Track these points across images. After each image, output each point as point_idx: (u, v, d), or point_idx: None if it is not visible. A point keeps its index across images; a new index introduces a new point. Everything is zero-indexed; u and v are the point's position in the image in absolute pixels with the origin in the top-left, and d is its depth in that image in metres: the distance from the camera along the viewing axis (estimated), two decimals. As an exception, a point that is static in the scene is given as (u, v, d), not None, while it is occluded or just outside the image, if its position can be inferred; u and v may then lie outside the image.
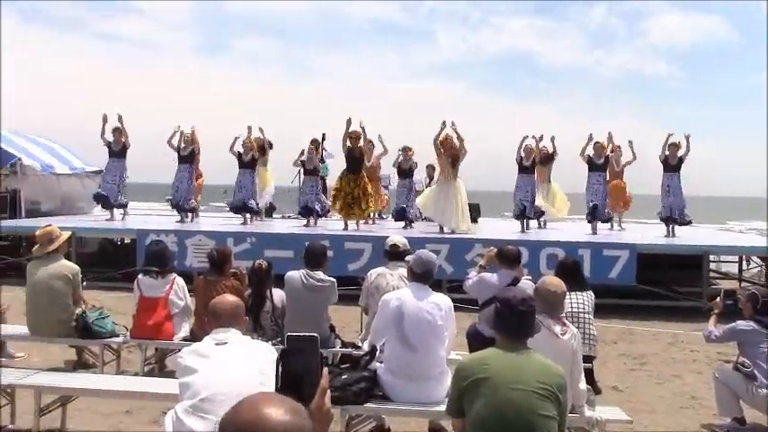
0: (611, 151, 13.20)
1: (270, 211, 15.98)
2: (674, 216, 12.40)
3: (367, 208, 12.30)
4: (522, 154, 12.84)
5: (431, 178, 15.61)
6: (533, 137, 13.05)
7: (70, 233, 6.87)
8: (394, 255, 6.09)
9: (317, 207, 13.03)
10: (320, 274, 5.86)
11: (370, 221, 13.62)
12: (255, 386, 2.94)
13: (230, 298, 3.44)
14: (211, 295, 5.23)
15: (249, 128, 13.12)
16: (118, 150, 13.25)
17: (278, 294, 6.06)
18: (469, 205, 12.54)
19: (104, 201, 13.32)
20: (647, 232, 13.48)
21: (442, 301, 4.58)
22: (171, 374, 5.92)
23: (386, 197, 14.92)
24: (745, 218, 42.11)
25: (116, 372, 6.29)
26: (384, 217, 15.12)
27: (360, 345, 5.74)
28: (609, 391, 6.35)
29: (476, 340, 5.75)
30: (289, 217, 16.11)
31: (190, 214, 13.64)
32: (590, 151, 12.85)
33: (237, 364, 3.08)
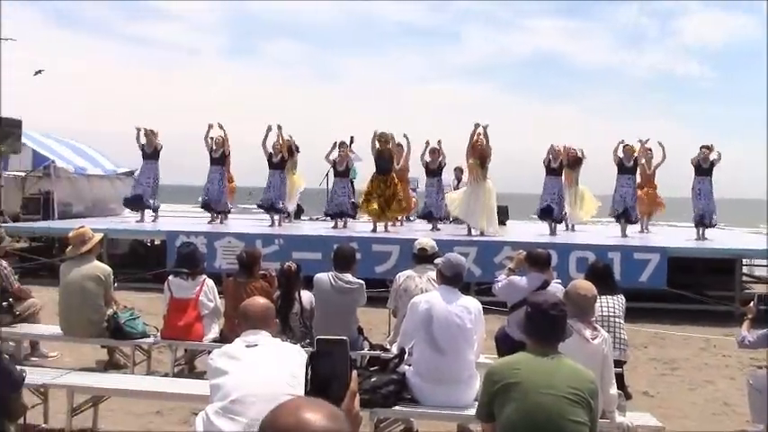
0: (642, 153, 13.06)
1: (298, 213, 16.04)
2: (705, 221, 12.25)
3: (400, 209, 12.35)
4: (550, 156, 12.79)
5: (458, 180, 15.60)
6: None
7: (102, 235, 6.96)
8: (422, 258, 6.08)
9: (349, 209, 13.04)
10: (349, 277, 5.87)
11: (398, 224, 13.61)
12: (285, 388, 2.95)
13: (261, 300, 3.46)
14: (241, 297, 5.27)
15: (279, 126, 13.16)
16: (150, 152, 13.42)
17: (306, 296, 6.08)
18: (498, 207, 12.48)
19: (139, 201, 13.49)
20: (677, 235, 13.32)
21: (472, 304, 4.57)
22: (200, 375, 5.97)
23: (414, 200, 14.91)
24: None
25: (146, 372, 6.35)
26: (411, 219, 15.11)
27: (388, 347, 5.74)
28: (639, 397, 6.28)
29: (504, 344, 5.72)
30: (317, 219, 16.15)
31: (219, 216, 13.74)
32: (620, 153, 12.74)
33: (268, 367, 3.09)
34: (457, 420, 4.73)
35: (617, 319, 5.87)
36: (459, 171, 15.43)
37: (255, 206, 14.24)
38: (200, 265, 6.55)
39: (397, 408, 4.43)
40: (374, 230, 12.17)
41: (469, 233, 11.99)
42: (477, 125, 12.00)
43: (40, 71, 15.35)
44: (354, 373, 1.85)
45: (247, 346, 3.21)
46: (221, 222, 13.62)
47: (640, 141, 13.10)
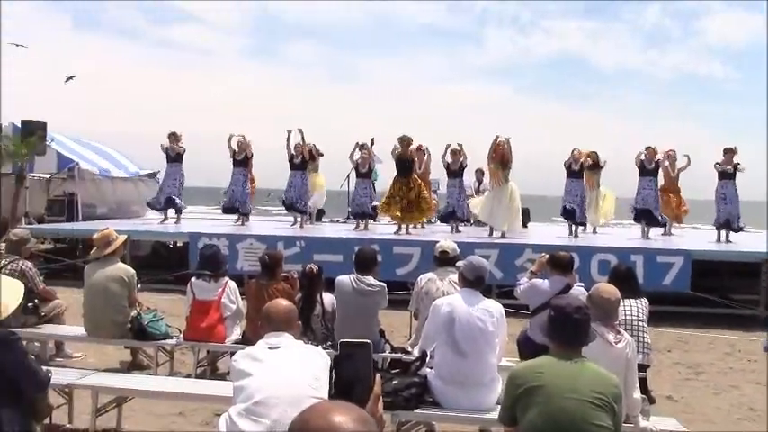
0: (667, 155, 12.96)
1: (319, 215, 16.08)
2: (732, 225, 12.14)
3: (428, 209, 12.42)
4: (571, 159, 12.74)
5: (479, 182, 15.58)
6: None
7: (126, 236, 7.02)
8: (444, 260, 6.07)
9: (369, 210, 13.08)
10: (370, 279, 5.87)
11: (419, 225, 13.62)
12: (308, 390, 2.96)
13: (284, 303, 3.46)
14: (263, 299, 5.30)
15: (300, 130, 13.24)
16: (174, 156, 13.56)
17: (328, 298, 6.09)
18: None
19: (171, 204, 13.63)
20: (700, 238, 13.19)
21: (494, 307, 4.55)
22: (222, 376, 6.01)
23: (435, 202, 14.91)
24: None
25: (169, 373, 6.39)
26: (432, 221, 15.10)
27: (409, 350, 5.73)
28: (663, 401, 6.22)
29: (526, 347, 5.68)
30: (338, 221, 16.18)
31: (241, 217, 13.82)
32: (642, 156, 12.67)
33: (291, 369, 3.10)
34: (479, 424, 4.71)
35: (640, 323, 5.81)
36: (480, 173, 15.40)
37: (275, 208, 14.32)
38: (223, 267, 6.57)
39: (418, 411, 4.43)
40: (398, 231, 12.21)
41: (491, 235, 11.97)
42: (498, 137, 11.96)
43: (71, 77, 15.42)
44: (378, 376, 1.85)
45: (270, 348, 3.21)
46: (242, 224, 13.70)
47: (670, 153, 13.01)
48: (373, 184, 13.47)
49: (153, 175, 17.14)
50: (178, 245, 13.36)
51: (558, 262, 6.00)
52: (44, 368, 3.32)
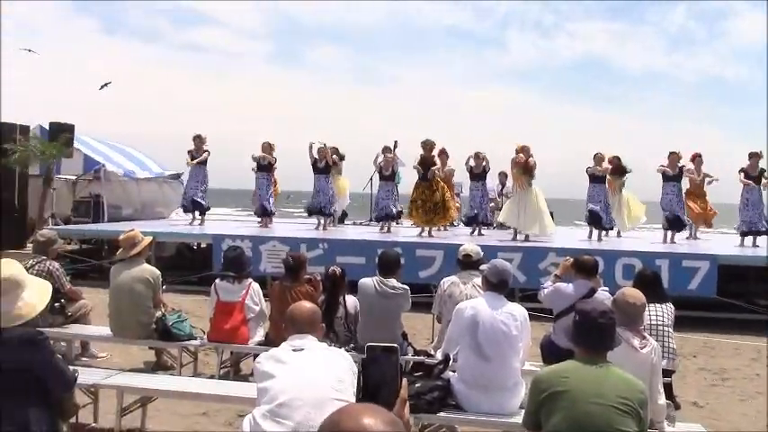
0: (692, 160, 12.84)
1: (342, 217, 16.12)
2: (760, 229, 12.00)
3: (450, 212, 12.43)
4: (594, 164, 12.66)
5: (503, 185, 15.54)
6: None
7: (152, 238, 7.08)
8: (467, 264, 6.06)
9: (392, 213, 13.09)
10: (393, 282, 5.87)
11: (442, 228, 13.60)
12: (332, 393, 2.97)
13: (307, 305, 3.47)
14: (286, 301, 5.32)
15: (324, 144, 13.30)
16: (199, 158, 13.67)
17: (351, 301, 6.10)
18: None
19: (199, 206, 13.75)
20: (726, 242, 13.04)
21: (518, 311, 4.54)
22: (245, 378, 6.04)
23: (457, 204, 14.89)
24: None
25: (193, 374, 6.44)
26: (456, 224, 15.08)
27: (432, 353, 5.73)
28: (689, 407, 6.15)
29: (550, 351, 5.67)
30: (361, 223, 16.21)
31: (264, 219, 13.90)
32: (664, 162, 12.58)
33: (314, 371, 3.11)
34: (502, 428, 4.68)
35: (666, 328, 5.75)
36: (503, 176, 15.36)
37: (295, 210, 14.38)
38: (247, 269, 6.60)
39: (441, 414, 4.42)
40: (421, 234, 12.22)
41: (514, 238, 11.92)
42: (518, 155, 11.93)
43: (106, 84, 15.53)
44: (405, 380, 1.86)
45: (294, 350, 3.22)
46: (266, 226, 13.77)
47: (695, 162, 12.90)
48: (396, 187, 13.48)
49: (177, 176, 17.29)
50: (202, 246, 13.46)
51: (583, 266, 5.95)
52: (71, 368, 3.35)
